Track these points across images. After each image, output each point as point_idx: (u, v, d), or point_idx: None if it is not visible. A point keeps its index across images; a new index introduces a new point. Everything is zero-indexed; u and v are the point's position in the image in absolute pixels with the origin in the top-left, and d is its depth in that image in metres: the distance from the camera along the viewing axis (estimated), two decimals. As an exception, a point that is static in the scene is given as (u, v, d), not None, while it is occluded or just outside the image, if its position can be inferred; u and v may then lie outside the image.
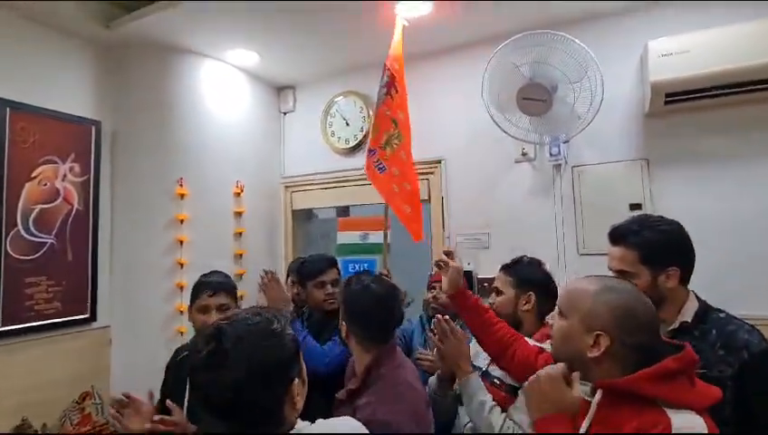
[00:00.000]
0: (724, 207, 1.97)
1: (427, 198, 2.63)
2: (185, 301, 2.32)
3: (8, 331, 1.86)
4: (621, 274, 1.24)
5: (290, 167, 3.04)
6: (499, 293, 1.58)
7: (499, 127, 2.15)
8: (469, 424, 1.42)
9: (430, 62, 2.64)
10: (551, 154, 2.21)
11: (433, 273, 2.46)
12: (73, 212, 2.14)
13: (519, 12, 2.17)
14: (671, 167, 2.08)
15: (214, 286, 1.53)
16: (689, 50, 1.83)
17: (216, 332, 0.82)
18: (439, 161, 2.58)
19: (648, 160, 2.12)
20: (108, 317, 2.29)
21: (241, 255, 2.63)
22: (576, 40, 1.88)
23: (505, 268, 1.62)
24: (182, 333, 2.31)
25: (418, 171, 2.62)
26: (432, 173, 2.61)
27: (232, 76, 2.70)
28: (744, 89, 1.82)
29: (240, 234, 2.64)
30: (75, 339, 2.15)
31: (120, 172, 2.36)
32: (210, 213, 2.50)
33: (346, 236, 2.86)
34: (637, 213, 2.10)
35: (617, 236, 1.29)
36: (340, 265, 2.06)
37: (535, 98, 1.96)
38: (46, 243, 2.03)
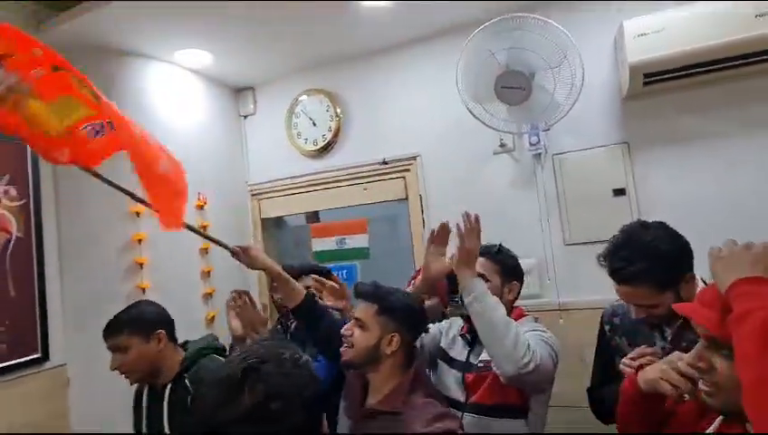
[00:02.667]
0: (709, 187, 1.94)
1: (404, 196, 2.51)
2: (150, 329, 2.12)
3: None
4: (648, 307, 1.19)
5: (255, 173, 2.84)
6: (485, 280, 1.49)
7: (476, 118, 2.05)
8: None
9: (399, 56, 2.51)
10: (530, 144, 2.13)
11: (414, 273, 2.36)
12: (12, 241, 1.90)
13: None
14: (653, 149, 2.04)
15: None
16: (665, 28, 1.78)
17: None
18: (415, 157, 2.46)
19: (629, 144, 2.07)
20: (63, 355, 2.05)
21: (209, 272, 2.43)
22: (553, 22, 1.79)
23: (489, 255, 1.54)
24: (149, 364, 2.10)
25: (394, 169, 2.52)
26: (408, 170, 2.49)
27: (184, 79, 2.49)
28: (722, 66, 1.78)
29: (206, 249, 2.44)
30: (26, 382, 1.91)
31: (64, 193, 2.11)
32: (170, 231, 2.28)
33: (322, 243, 2.71)
34: (620, 199, 2.08)
35: (619, 279, 1.20)
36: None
37: (513, 86, 1.86)
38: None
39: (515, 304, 1.60)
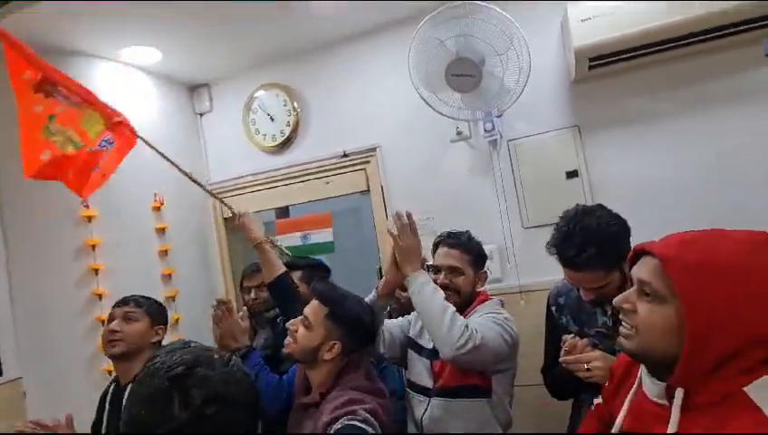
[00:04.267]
0: (656, 166, 2.01)
1: (366, 188, 2.51)
2: (109, 336, 2.07)
3: None
4: (598, 288, 1.24)
5: (215, 172, 2.79)
6: (458, 272, 1.52)
7: (431, 107, 2.06)
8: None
9: (354, 48, 2.50)
10: (485, 130, 2.16)
11: (381, 267, 2.37)
12: (-47, 254, 1.81)
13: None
14: (602, 131, 2.10)
15: None
16: (607, 13, 1.83)
17: None
18: (375, 149, 2.46)
19: (580, 127, 2.12)
20: (17, 369, 1.98)
21: (170, 275, 2.38)
22: (496, 8, 1.82)
23: (461, 246, 1.56)
24: (110, 372, 2.05)
25: (355, 162, 2.52)
26: (368, 162, 2.49)
27: (133, 78, 2.41)
28: (663, 47, 1.85)
29: (166, 252, 2.39)
30: (-22, 399, 1.84)
31: (8, 199, 2.03)
32: (125, 234, 2.23)
33: (286, 239, 2.69)
34: (573, 181, 2.13)
35: (574, 267, 1.24)
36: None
37: (464, 73, 1.88)
38: None
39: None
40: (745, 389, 0.66)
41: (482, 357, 1.31)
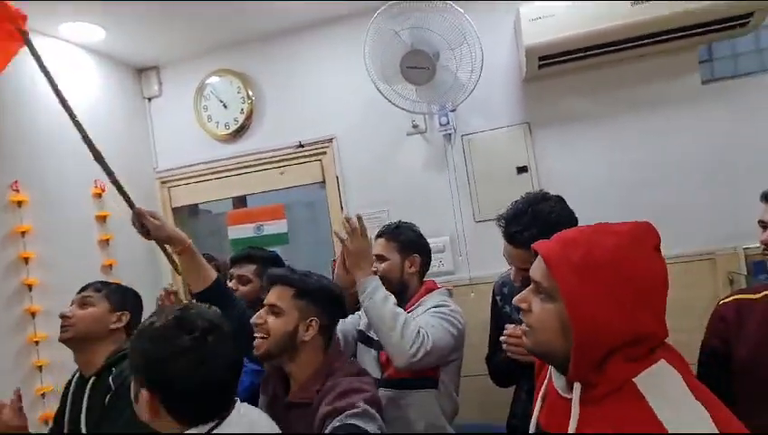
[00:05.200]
0: (599, 164, 2.11)
1: (321, 179, 2.49)
2: (39, 329, 1.95)
3: None
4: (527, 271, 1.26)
5: (164, 159, 2.68)
6: (383, 259, 1.55)
7: (386, 99, 2.06)
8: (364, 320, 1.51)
9: (311, 36, 2.46)
10: (440, 124, 2.19)
11: (336, 258, 2.35)
12: None
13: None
14: (550, 129, 2.17)
15: None
16: (555, 14, 1.89)
17: None
18: (331, 140, 2.44)
19: (530, 124, 2.19)
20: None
21: (110, 265, 2.26)
22: (452, 3, 1.84)
23: (387, 234, 1.60)
24: (41, 367, 1.93)
25: (309, 152, 2.48)
26: (324, 153, 2.46)
27: (74, 56, 2.27)
28: (608, 49, 1.93)
29: (107, 241, 2.27)
30: None
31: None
32: (63, 221, 2.09)
33: (238, 231, 2.62)
34: (523, 176, 2.20)
35: (514, 242, 1.28)
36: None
37: (419, 66, 1.89)
38: None
39: (426, 278, 1.65)
40: (638, 378, 0.68)
41: (433, 359, 1.34)
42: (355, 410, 1.01)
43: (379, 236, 1.63)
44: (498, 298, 1.56)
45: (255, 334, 1.19)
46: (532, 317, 0.76)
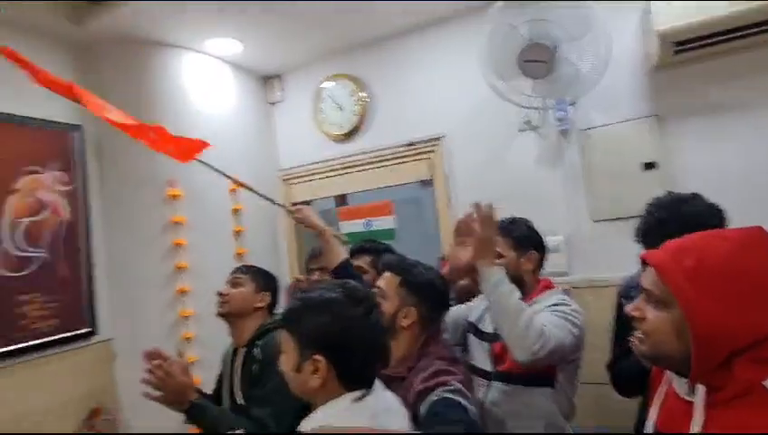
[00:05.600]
0: (742, 158, 1.88)
1: (429, 177, 2.53)
2: (188, 307, 2.24)
3: (5, 352, 1.77)
4: None
5: (285, 159, 2.93)
6: (499, 256, 1.50)
7: (499, 95, 2.05)
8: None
9: (422, 37, 2.52)
10: (556, 119, 2.11)
11: (443, 256, 2.38)
12: (63, 224, 2.04)
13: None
14: (684, 121, 1.98)
15: None
16: (694, -7, 1.73)
17: None
18: (439, 138, 2.48)
19: (659, 116, 2.02)
20: (110, 330, 2.19)
21: (242, 254, 2.53)
22: (576, -6, 1.77)
23: (501, 229, 1.53)
24: (188, 339, 2.22)
25: (418, 151, 2.55)
26: (433, 151, 2.51)
27: (215, 68, 2.58)
28: (754, 31, 1.72)
29: (239, 232, 2.54)
30: (76, 355, 2.06)
31: (108, 178, 2.25)
32: (207, 213, 2.40)
33: (349, 226, 2.77)
34: (650, 173, 2.04)
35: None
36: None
37: (537, 59, 1.85)
38: (37, 257, 1.92)
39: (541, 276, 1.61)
40: None
41: (554, 358, 1.30)
42: (449, 387, 1.08)
43: None
44: (624, 301, 1.47)
45: None
46: (647, 325, 0.79)
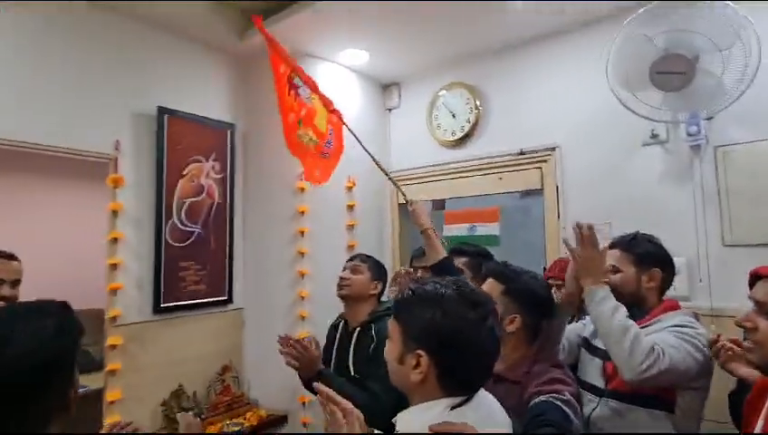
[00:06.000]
0: None
1: (539, 186, 2.53)
2: (306, 288, 2.51)
3: (168, 307, 2.17)
4: None
5: (397, 161, 3.11)
6: (616, 271, 1.48)
7: (625, 107, 1.98)
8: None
9: (539, 48, 2.53)
10: (688, 134, 1.99)
11: (546, 266, 2.36)
12: (214, 205, 2.42)
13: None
14: None
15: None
16: None
17: None
18: (553, 148, 2.46)
19: (817, 135, 1.81)
20: (241, 300, 2.54)
21: (353, 246, 2.75)
22: (726, 1, 1.67)
23: (621, 245, 1.52)
24: (303, 317, 2.48)
25: (529, 160, 2.56)
26: (545, 161, 2.50)
27: (343, 76, 2.85)
28: None
29: (352, 226, 2.77)
30: (216, 318, 2.43)
31: (250, 169, 2.61)
32: (326, 206, 2.66)
33: (453, 229, 2.86)
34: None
35: None
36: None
37: (672, 71, 1.78)
38: (194, 232, 2.31)
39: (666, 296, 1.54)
40: None
41: (669, 379, 1.26)
42: (560, 396, 1.09)
43: (612, 246, 1.56)
44: None
45: None
46: (759, 335, 0.85)
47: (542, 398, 1.10)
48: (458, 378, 0.87)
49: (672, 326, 1.38)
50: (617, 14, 2.12)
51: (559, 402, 1.08)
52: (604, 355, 1.49)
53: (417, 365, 0.87)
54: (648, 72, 1.83)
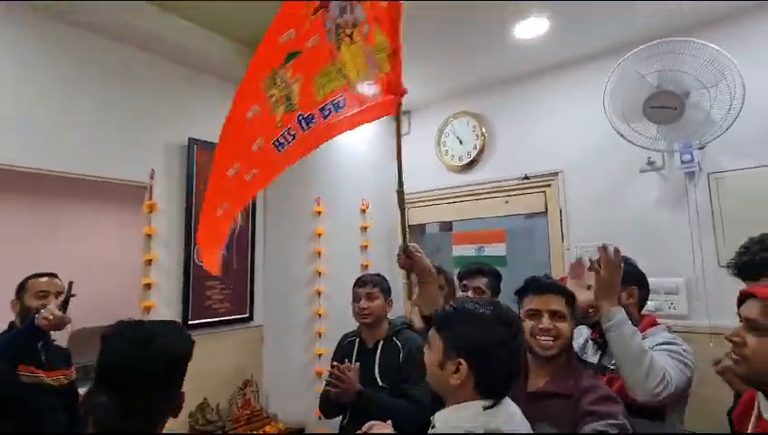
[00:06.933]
0: None
1: (543, 210, 2.67)
2: (323, 306, 2.64)
3: (195, 324, 2.30)
4: None
5: (406, 185, 3.23)
6: None
7: (623, 137, 2.14)
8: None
9: (545, 78, 2.71)
10: (682, 161, 2.14)
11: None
12: (238, 228, 2.58)
13: (639, 21, 2.16)
14: (833, 169, 1.89)
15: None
16: None
17: None
18: (556, 173, 2.61)
19: (802, 164, 1.95)
20: (261, 318, 2.67)
21: (367, 266, 2.89)
22: (711, 45, 1.83)
23: None
24: (320, 334, 2.61)
25: (533, 184, 2.71)
26: (549, 186, 2.64)
27: (357, 106, 3.03)
28: None
29: (366, 247, 2.91)
30: (238, 335, 2.56)
31: (270, 193, 2.77)
32: (342, 228, 2.81)
33: (461, 250, 2.99)
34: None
35: (746, 273, 1.33)
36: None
37: (664, 106, 1.93)
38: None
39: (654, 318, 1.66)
40: None
41: (670, 399, 1.36)
42: (617, 422, 1.14)
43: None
44: None
45: (540, 337, 1.30)
46: (747, 350, 0.89)
47: (600, 427, 1.14)
48: (491, 384, 1.01)
49: (661, 344, 1.48)
50: (614, 51, 2.30)
51: (615, 431, 1.13)
52: (596, 369, 1.60)
53: (456, 371, 1.00)
54: (642, 106, 1.99)
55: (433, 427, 1.02)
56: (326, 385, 1.71)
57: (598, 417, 1.14)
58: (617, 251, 1.39)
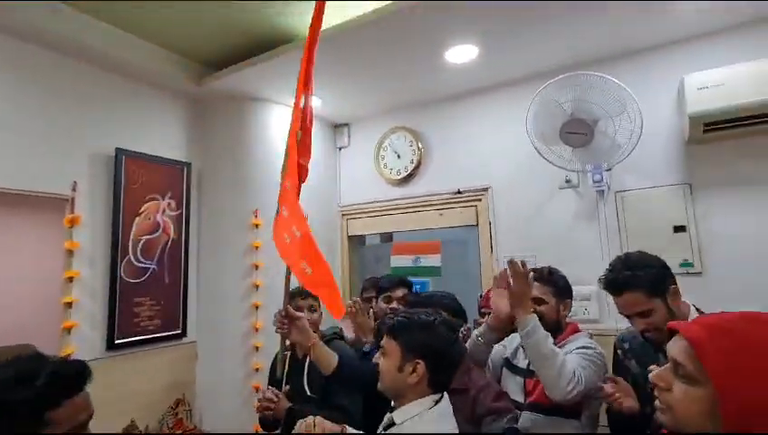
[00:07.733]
0: (766, 229, 2.05)
1: (475, 223, 2.83)
2: (260, 319, 2.61)
3: (122, 343, 2.20)
4: (645, 316, 1.37)
5: (346, 196, 3.32)
6: (541, 302, 1.72)
7: (543, 157, 2.33)
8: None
9: (476, 100, 2.87)
10: (594, 181, 2.37)
11: (482, 295, 2.63)
12: (170, 242, 2.49)
13: (560, 51, 2.38)
14: (715, 191, 2.18)
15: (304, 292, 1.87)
16: (724, 83, 1.97)
17: None
18: (486, 189, 2.78)
19: (691, 185, 2.23)
20: (195, 334, 2.60)
21: (306, 277, 2.89)
22: (612, 79, 2.06)
23: (543, 279, 1.76)
24: (257, 348, 2.58)
25: (465, 199, 2.87)
26: (480, 200, 2.81)
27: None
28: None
29: (305, 259, 2.92)
30: (169, 352, 2.47)
31: (205, 206, 2.71)
32: (280, 240, 2.79)
33: (399, 260, 3.09)
34: (680, 235, 2.23)
35: (614, 288, 1.43)
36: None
37: (577, 132, 2.14)
38: (149, 268, 2.37)
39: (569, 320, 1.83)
40: None
41: (582, 396, 1.51)
42: (513, 415, 1.36)
43: (533, 279, 1.77)
44: (619, 352, 1.67)
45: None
46: (671, 397, 0.77)
47: (506, 424, 1.36)
48: (441, 381, 1.22)
49: (578, 348, 1.66)
50: (538, 76, 2.50)
51: (516, 424, 1.38)
52: (525, 373, 1.74)
53: (414, 371, 1.18)
54: (559, 130, 2.19)
55: (392, 425, 1.18)
56: (257, 410, 1.69)
57: (497, 414, 1.36)
58: (524, 264, 1.53)
